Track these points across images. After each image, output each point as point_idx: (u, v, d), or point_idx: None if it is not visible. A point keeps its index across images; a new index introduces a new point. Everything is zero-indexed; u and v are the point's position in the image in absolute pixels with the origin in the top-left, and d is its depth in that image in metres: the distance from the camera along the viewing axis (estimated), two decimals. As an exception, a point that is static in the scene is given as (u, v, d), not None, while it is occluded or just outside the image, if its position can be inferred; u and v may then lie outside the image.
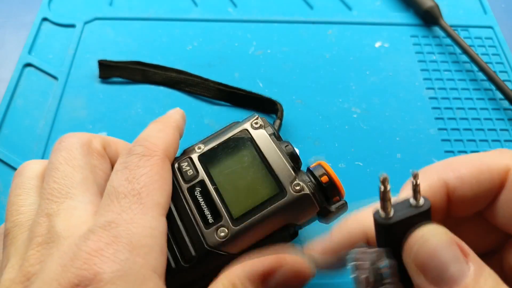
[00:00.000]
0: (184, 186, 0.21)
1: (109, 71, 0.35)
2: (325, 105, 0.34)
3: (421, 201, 0.16)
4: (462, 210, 0.19)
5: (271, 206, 0.19)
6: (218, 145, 0.22)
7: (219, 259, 0.19)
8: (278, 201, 0.19)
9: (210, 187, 0.20)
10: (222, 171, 0.21)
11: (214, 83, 0.34)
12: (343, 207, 0.21)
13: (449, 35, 0.38)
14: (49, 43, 0.37)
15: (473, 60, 0.36)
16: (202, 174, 0.21)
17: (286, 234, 0.20)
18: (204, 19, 0.40)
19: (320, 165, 0.21)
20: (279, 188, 0.20)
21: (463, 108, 0.35)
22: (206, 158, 0.22)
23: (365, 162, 0.31)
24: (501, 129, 0.34)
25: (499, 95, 0.35)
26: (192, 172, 0.21)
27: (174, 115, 0.23)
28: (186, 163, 0.21)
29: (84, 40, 0.38)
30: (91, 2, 0.40)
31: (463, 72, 0.37)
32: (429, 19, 0.39)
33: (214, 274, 0.18)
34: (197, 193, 0.20)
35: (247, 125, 0.22)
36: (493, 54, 0.38)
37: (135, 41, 0.38)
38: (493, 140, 0.33)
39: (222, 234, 0.19)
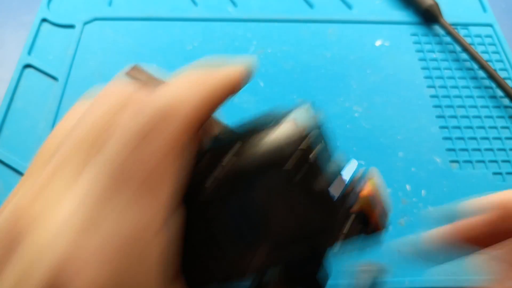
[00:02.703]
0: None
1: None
2: (326, 104, 0.34)
3: None
4: None
5: None
6: None
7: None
8: None
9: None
10: None
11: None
12: None
13: (449, 33, 0.38)
14: (48, 44, 0.37)
15: (473, 58, 0.36)
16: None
17: None
18: (204, 19, 0.39)
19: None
20: None
21: (464, 106, 0.35)
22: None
23: (367, 161, 0.31)
24: (502, 127, 0.34)
25: (499, 92, 0.35)
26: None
27: (235, 67, 0.17)
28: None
29: (84, 41, 0.37)
30: (90, 2, 0.40)
31: (463, 70, 0.37)
32: (429, 17, 0.39)
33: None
34: None
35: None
36: (493, 52, 0.38)
37: (135, 41, 0.38)
38: (494, 138, 0.33)
39: None
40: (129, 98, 0.15)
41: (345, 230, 0.17)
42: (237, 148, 0.16)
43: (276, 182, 0.16)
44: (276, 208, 0.16)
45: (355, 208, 0.18)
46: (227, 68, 0.16)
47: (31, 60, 0.36)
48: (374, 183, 0.18)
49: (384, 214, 0.19)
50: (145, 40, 0.38)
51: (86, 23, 0.39)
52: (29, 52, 0.36)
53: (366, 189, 0.19)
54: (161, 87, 0.14)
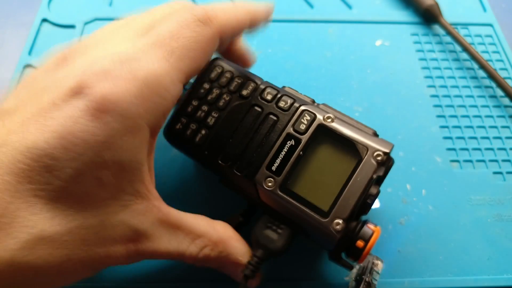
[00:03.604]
0: (289, 128, 0.23)
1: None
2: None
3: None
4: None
5: (309, 211, 0.21)
6: (341, 135, 0.22)
7: (252, 188, 0.22)
8: (316, 214, 0.21)
9: (298, 152, 0.22)
10: (318, 153, 0.22)
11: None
12: (348, 267, 0.22)
13: (449, 33, 0.38)
14: (49, 44, 0.37)
15: (474, 57, 0.36)
16: (305, 138, 0.22)
17: (297, 234, 0.23)
18: (204, 19, 0.39)
19: (372, 232, 0.21)
20: (329, 209, 0.21)
21: (464, 106, 0.35)
22: (322, 132, 0.22)
23: (368, 160, 0.31)
24: (502, 126, 0.34)
25: (499, 92, 0.35)
26: (303, 128, 0.22)
27: (257, 4, 0.24)
28: (308, 118, 0.23)
29: (84, 41, 0.37)
30: (91, 2, 0.40)
31: (463, 70, 0.37)
32: (429, 17, 0.39)
33: (239, 188, 0.23)
34: (288, 143, 0.22)
35: (371, 149, 0.22)
36: (493, 52, 0.38)
37: (136, 41, 0.38)
38: (494, 137, 0.33)
39: (269, 184, 0.22)
40: (186, 3, 0.22)
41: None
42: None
43: None
44: None
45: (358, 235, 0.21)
46: (251, 6, 0.24)
47: (32, 60, 0.36)
48: (378, 234, 0.21)
49: (365, 257, 0.21)
50: (146, 40, 0.38)
51: (86, 23, 0.39)
52: (30, 52, 0.36)
53: (372, 227, 0.22)
54: (206, 6, 0.22)
